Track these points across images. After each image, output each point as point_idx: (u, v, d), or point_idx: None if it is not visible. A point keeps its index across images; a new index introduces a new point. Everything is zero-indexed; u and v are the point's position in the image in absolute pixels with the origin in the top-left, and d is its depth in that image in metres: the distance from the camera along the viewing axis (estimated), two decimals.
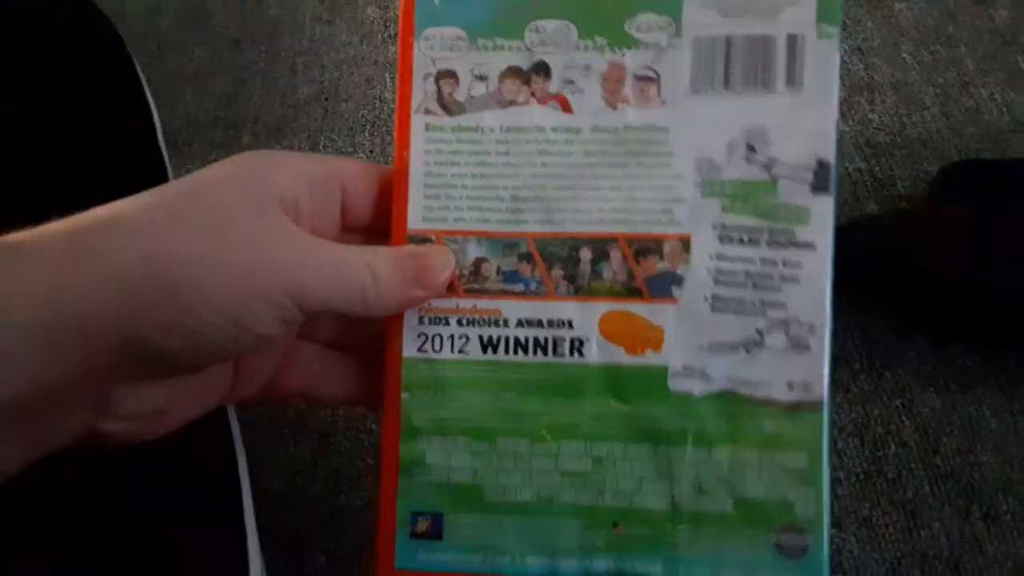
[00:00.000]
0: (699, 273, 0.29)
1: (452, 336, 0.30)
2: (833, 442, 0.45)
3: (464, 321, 0.30)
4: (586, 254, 0.29)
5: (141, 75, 0.40)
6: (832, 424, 0.29)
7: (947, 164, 0.52)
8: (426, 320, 0.30)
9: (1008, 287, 0.44)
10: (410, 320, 0.30)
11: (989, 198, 0.48)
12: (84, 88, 0.38)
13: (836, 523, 0.43)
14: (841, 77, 0.60)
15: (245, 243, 0.26)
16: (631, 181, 0.29)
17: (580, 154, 0.30)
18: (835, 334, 0.47)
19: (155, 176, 0.39)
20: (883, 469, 0.45)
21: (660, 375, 0.29)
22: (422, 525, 0.29)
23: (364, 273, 0.27)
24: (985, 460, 0.44)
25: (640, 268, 0.29)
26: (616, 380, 0.29)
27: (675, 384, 0.29)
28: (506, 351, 0.30)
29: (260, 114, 0.64)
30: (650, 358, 0.29)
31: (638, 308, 0.29)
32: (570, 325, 0.29)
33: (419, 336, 0.30)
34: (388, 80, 0.64)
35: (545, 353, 0.29)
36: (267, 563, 0.37)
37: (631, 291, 0.29)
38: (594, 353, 0.29)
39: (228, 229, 0.25)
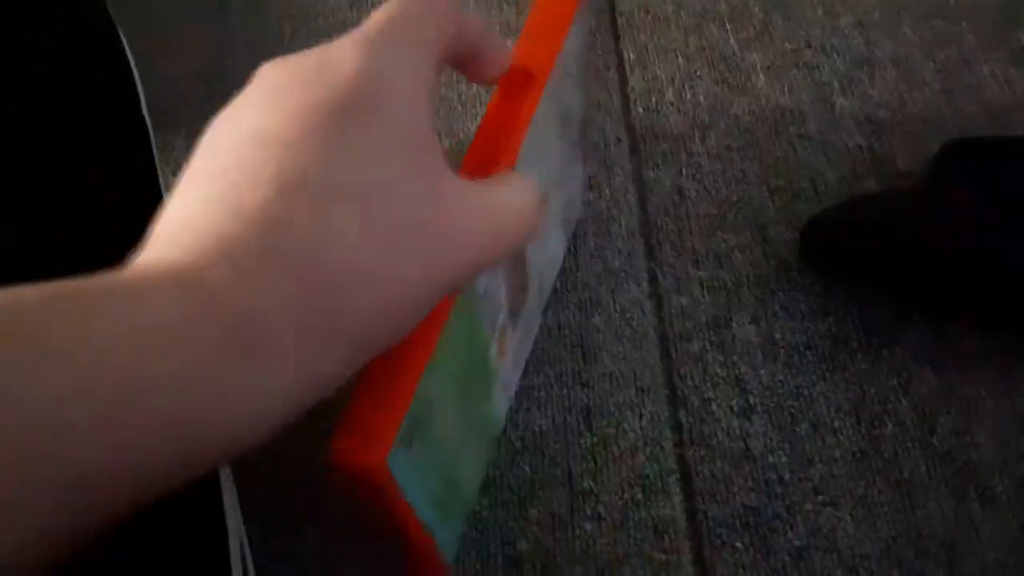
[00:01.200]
0: None
1: None
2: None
3: None
4: None
5: (125, 44, 0.39)
6: None
7: (948, 142, 0.52)
8: None
9: (1010, 267, 0.44)
10: None
11: (991, 177, 0.47)
12: (68, 58, 0.36)
13: (831, 502, 0.43)
14: (842, 51, 0.59)
15: (418, 239, 0.22)
16: None
17: None
18: (833, 312, 0.46)
19: (138, 148, 0.38)
20: (879, 448, 0.44)
21: None
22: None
23: (519, 220, 0.26)
24: (982, 441, 0.44)
25: None
26: None
27: None
28: None
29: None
30: None
31: None
32: None
33: None
34: None
35: None
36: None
37: None
38: None
39: (391, 217, 0.21)
